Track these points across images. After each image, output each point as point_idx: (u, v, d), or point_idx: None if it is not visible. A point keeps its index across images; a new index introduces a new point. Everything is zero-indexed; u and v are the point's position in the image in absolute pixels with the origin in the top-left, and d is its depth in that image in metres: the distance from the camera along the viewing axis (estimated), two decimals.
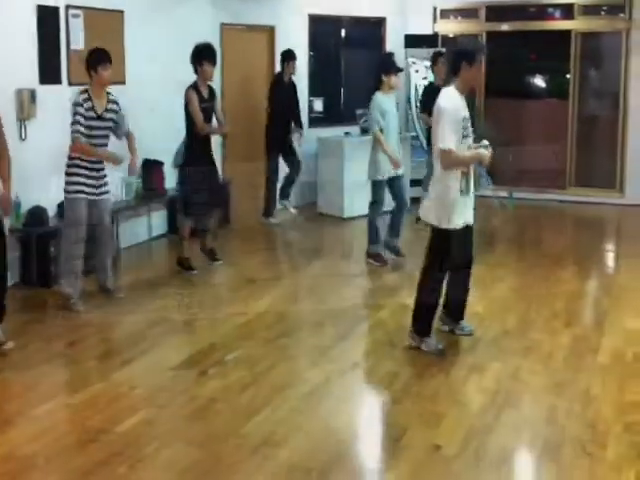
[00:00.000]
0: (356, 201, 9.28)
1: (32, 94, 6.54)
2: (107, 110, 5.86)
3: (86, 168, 5.78)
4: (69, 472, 3.54)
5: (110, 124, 5.90)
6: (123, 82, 7.40)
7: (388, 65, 7.12)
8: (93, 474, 3.52)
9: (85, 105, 5.72)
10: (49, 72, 6.76)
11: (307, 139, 9.54)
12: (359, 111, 9.80)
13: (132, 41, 7.61)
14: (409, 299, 6.27)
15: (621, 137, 10.48)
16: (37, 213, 6.55)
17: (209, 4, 8.77)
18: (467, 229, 4.97)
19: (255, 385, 4.51)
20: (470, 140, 4.89)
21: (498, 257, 7.64)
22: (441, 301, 5.20)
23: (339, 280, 6.92)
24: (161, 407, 4.24)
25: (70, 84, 6.92)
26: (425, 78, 10.56)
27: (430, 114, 8.61)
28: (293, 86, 9.23)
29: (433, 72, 9.16)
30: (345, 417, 4.20)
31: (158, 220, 8.33)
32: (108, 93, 5.92)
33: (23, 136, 6.48)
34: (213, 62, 6.84)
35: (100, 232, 5.99)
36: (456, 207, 4.82)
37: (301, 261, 7.91)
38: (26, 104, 6.47)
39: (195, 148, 6.82)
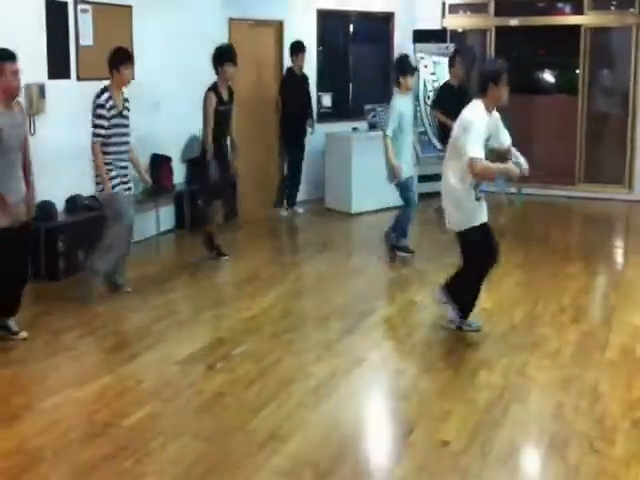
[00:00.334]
0: (364, 197, 9.28)
1: (41, 89, 6.55)
2: (125, 108, 5.95)
3: (118, 167, 5.88)
4: (76, 465, 3.55)
5: (128, 122, 5.97)
6: (131, 77, 7.39)
7: (405, 66, 7.17)
8: (100, 467, 3.54)
9: (108, 105, 5.78)
10: (58, 67, 6.78)
11: (315, 134, 9.53)
12: (367, 106, 9.80)
13: (140, 36, 7.61)
14: (417, 295, 6.31)
15: (630, 133, 10.44)
16: (46, 208, 6.56)
17: None
18: (485, 226, 5.11)
19: (261, 380, 4.51)
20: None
21: (506, 253, 7.54)
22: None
23: (346, 275, 6.92)
24: (168, 401, 4.25)
25: (79, 79, 6.95)
26: (433, 74, 10.55)
27: (444, 113, 8.73)
28: (305, 79, 9.26)
29: (450, 73, 9.12)
30: (352, 412, 4.20)
31: (166, 215, 8.33)
32: (123, 93, 6.00)
33: (32, 131, 6.48)
34: (234, 63, 6.93)
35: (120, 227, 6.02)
36: (474, 211, 5.02)
37: (308, 256, 7.90)
38: (35, 99, 6.49)
39: (212, 145, 6.89)
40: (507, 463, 3.60)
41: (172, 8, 8.11)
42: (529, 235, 8.69)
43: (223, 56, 6.87)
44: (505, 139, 5.16)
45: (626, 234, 9.43)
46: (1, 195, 4.83)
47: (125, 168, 5.98)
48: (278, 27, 9.66)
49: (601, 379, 4.52)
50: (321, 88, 10.25)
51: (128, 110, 6.01)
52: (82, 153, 6.18)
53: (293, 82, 9.12)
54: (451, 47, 10.69)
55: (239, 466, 3.55)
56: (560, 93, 11.42)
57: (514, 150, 5.18)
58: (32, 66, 6.48)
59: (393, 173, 7.04)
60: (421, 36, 10.83)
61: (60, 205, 6.75)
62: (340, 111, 10.50)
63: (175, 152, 8.26)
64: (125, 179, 5.97)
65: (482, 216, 5.08)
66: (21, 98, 6.29)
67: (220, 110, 6.82)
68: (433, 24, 11.27)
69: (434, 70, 10.58)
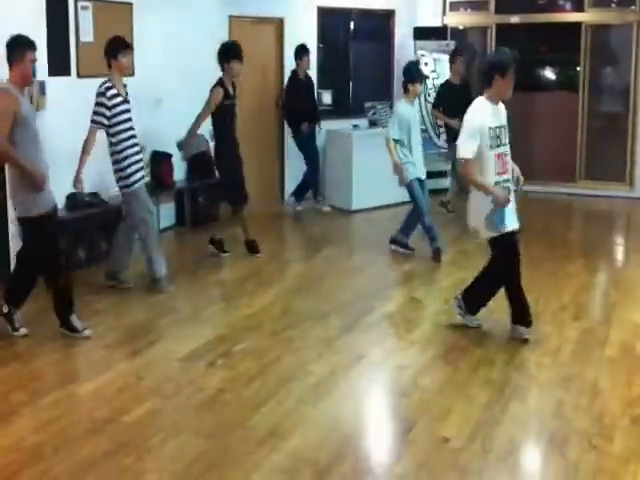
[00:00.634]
0: (364, 194, 9.27)
1: (42, 86, 6.55)
2: (126, 94, 5.97)
3: (136, 154, 5.94)
4: (76, 462, 3.56)
5: (130, 108, 5.98)
6: (132, 74, 7.39)
7: (415, 74, 7.17)
8: (100, 464, 3.54)
9: (108, 93, 5.79)
10: (58, 64, 6.77)
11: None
12: (368, 104, 9.79)
13: (141, 33, 7.60)
14: (416, 292, 6.31)
15: (631, 130, 10.42)
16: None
17: None
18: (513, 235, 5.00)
19: (261, 377, 4.52)
20: (502, 149, 4.91)
21: None
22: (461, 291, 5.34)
23: (346, 272, 6.92)
24: (168, 398, 4.25)
25: (79, 76, 6.94)
26: (434, 71, 10.54)
27: (444, 112, 8.71)
28: (310, 81, 9.23)
29: (451, 70, 9.13)
30: (352, 409, 4.20)
31: (166, 212, 8.33)
32: (124, 85, 6.01)
33: None
34: (241, 60, 6.97)
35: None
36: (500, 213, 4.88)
37: (308, 253, 7.91)
38: (35, 96, 6.48)
39: (225, 138, 6.98)
40: (507, 460, 3.60)
41: (172, 5, 8.10)
42: (529, 232, 8.63)
43: (230, 53, 6.90)
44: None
45: (627, 231, 9.42)
46: (43, 175, 4.90)
47: (140, 153, 6.04)
48: (278, 24, 9.64)
49: (601, 376, 4.52)
50: (321, 85, 10.23)
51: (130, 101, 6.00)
52: None
53: (297, 85, 9.07)
54: (452, 44, 10.69)
55: (239, 463, 3.56)
56: (561, 90, 11.41)
57: (514, 166, 5.07)
58: None
59: (401, 177, 7.05)
60: (422, 33, 10.81)
61: (60, 202, 6.74)
62: (340, 108, 10.48)
63: (176, 149, 8.24)
64: (141, 166, 6.02)
65: (512, 219, 4.94)
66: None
67: (226, 104, 6.87)
68: (434, 21, 11.25)
69: (434, 67, 10.56)
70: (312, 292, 6.53)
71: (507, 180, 4.95)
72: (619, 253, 8.13)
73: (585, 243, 8.32)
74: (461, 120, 4.99)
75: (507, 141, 4.97)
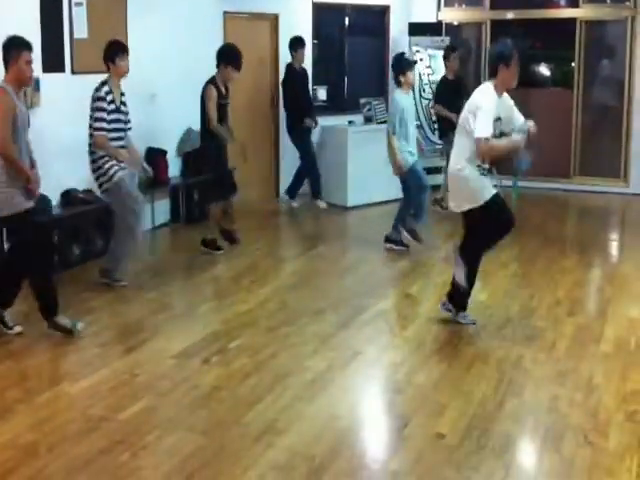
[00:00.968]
0: (360, 190, 9.27)
1: (36, 83, 6.51)
2: (122, 103, 5.98)
3: (112, 159, 5.89)
4: (71, 460, 3.55)
5: (124, 117, 6.00)
6: (127, 68, 7.37)
7: (402, 65, 7.16)
8: (95, 462, 3.53)
9: (108, 98, 5.82)
10: (53, 61, 6.75)
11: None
12: (363, 100, 9.78)
13: (135, 29, 7.58)
14: (412, 288, 6.32)
15: (626, 126, 10.44)
16: (41, 202, 6.53)
17: None
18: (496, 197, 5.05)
19: (257, 373, 4.51)
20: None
21: (501, 245, 7.59)
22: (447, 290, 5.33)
23: (342, 269, 6.92)
24: (163, 395, 4.24)
25: (73, 72, 6.92)
26: (429, 67, 10.54)
27: (445, 106, 8.71)
28: (305, 74, 9.22)
29: (445, 67, 9.14)
30: (347, 405, 4.20)
31: (161, 209, 8.32)
32: (120, 87, 6.02)
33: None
34: (239, 70, 6.97)
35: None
36: (480, 183, 4.96)
37: (303, 249, 7.90)
38: (29, 92, 6.45)
39: (213, 135, 6.93)
40: (502, 456, 3.60)
41: (167, 1, 8.08)
42: (524, 228, 8.66)
43: (231, 60, 6.88)
44: (519, 120, 5.12)
45: (621, 227, 9.44)
46: (26, 168, 4.87)
47: (121, 162, 5.98)
48: (273, 20, 9.63)
49: (596, 372, 4.53)
50: (316, 81, 10.22)
51: (125, 105, 6.03)
52: (77, 146, 6.17)
53: (294, 78, 9.07)
54: (447, 40, 10.69)
55: (235, 459, 3.55)
56: (555, 86, 11.42)
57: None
58: None
59: (396, 169, 7.07)
60: (417, 29, 10.81)
61: (55, 199, 6.73)
62: (335, 104, 10.47)
63: (171, 145, 8.24)
64: (122, 166, 5.97)
65: (487, 192, 5.00)
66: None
67: (219, 104, 6.87)
68: (429, 17, 11.25)
69: (429, 63, 10.57)
70: (308, 288, 6.53)
71: (485, 168, 5.01)
72: (614, 249, 8.15)
73: (580, 239, 8.33)
74: (458, 115, 5.06)
75: (499, 133, 4.99)
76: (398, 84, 7.17)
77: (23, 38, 4.91)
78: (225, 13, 8.92)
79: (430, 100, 10.17)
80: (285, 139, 9.44)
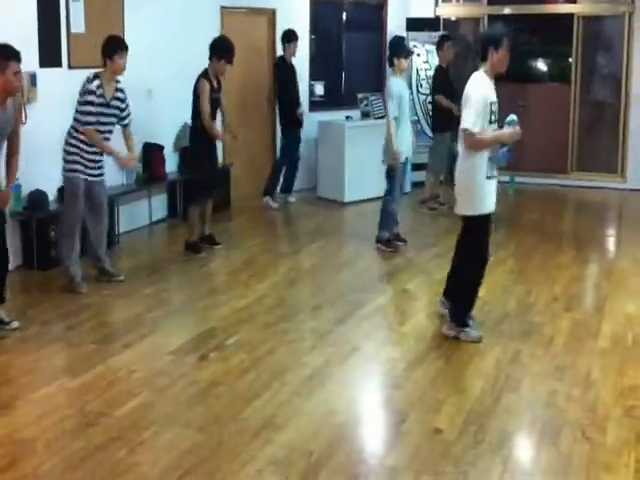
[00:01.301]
0: (357, 185, 9.26)
1: (32, 78, 6.50)
2: (114, 98, 5.90)
3: (87, 152, 5.82)
4: (68, 456, 3.54)
5: (116, 112, 5.93)
6: (125, 66, 7.35)
7: (399, 48, 7.11)
8: (93, 458, 3.53)
9: (98, 92, 5.76)
10: (49, 55, 6.72)
11: (308, 123, 9.50)
12: (360, 95, 9.76)
13: (132, 24, 7.55)
14: (409, 284, 6.32)
15: (623, 121, 10.44)
16: (38, 197, 6.54)
17: None
18: (489, 217, 4.90)
19: (255, 369, 4.51)
20: (495, 125, 4.84)
21: (499, 241, 7.62)
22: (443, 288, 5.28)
23: (339, 264, 6.91)
24: (161, 391, 4.24)
25: (70, 67, 6.90)
26: (427, 62, 10.52)
27: (448, 94, 8.66)
28: (294, 70, 9.18)
29: (439, 56, 9.13)
30: (345, 401, 4.20)
31: (158, 204, 8.31)
32: (117, 81, 5.96)
33: (23, 120, 6.43)
34: (231, 63, 6.91)
35: (97, 212, 6.00)
36: (482, 191, 4.79)
37: (301, 245, 7.89)
38: (26, 88, 6.43)
39: (201, 134, 6.86)
40: (500, 451, 3.61)
41: None
42: (521, 224, 8.69)
43: (224, 53, 6.82)
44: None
45: (619, 223, 9.45)
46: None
47: (99, 154, 5.89)
48: (271, 15, 9.60)
49: (593, 367, 4.54)
50: (314, 76, 10.21)
51: (121, 101, 5.96)
52: None
53: (286, 70, 9.06)
54: (449, 35, 10.66)
55: (232, 455, 3.55)
56: (553, 82, 11.41)
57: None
58: (23, 54, 6.41)
59: (392, 157, 6.96)
60: (414, 24, 10.79)
61: (52, 194, 6.72)
62: (333, 99, 10.46)
63: (168, 141, 8.23)
64: (97, 165, 5.89)
65: (489, 202, 4.85)
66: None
67: (212, 98, 6.82)
68: (426, 12, 11.23)
69: (427, 59, 10.55)
70: (305, 284, 6.54)
71: (490, 158, 4.84)
72: (611, 244, 8.15)
73: (577, 234, 8.34)
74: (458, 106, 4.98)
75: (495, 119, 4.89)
76: (391, 66, 7.11)
77: (12, 48, 4.85)
78: (222, 8, 8.90)
79: (427, 95, 10.15)
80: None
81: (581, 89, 10.76)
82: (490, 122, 4.76)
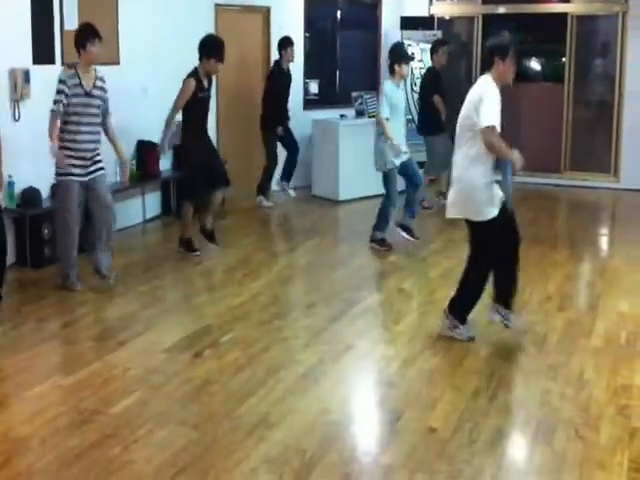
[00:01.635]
0: (351, 184, 9.27)
1: (26, 74, 6.48)
2: (96, 87, 5.76)
3: (75, 150, 5.71)
4: (63, 453, 3.54)
5: (99, 102, 5.79)
6: (117, 62, 7.35)
7: (401, 55, 7.09)
8: (87, 455, 3.52)
9: (70, 82, 5.62)
10: (43, 52, 6.70)
11: (302, 121, 9.50)
12: (354, 93, 9.77)
13: (126, 21, 7.54)
14: (404, 282, 6.32)
15: (616, 121, 10.47)
16: (31, 194, 6.52)
17: None
18: (504, 210, 4.81)
19: (249, 367, 4.51)
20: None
21: None
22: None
23: (333, 262, 6.92)
24: (155, 388, 4.23)
25: (64, 64, 6.86)
26: (421, 61, 10.53)
27: (441, 96, 8.63)
28: (290, 76, 9.09)
29: (432, 60, 9.11)
30: (340, 399, 4.21)
31: (152, 202, 8.29)
32: (96, 70, 5.81)
33: (16, 116, 6.44)
34: (222, 61, 6.79)
35: (99, 212, 5.87)
36: (487, 193, 4.73)
37: (295, 243, 7.90)
38: (19, 84, 6.42)
39: (193, 130, 6.78)
40: (494, 450, 3.62)
41: None
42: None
43: (213, 51, 6.69)
44: None
45: (612, 222, 9.49)
46: None
47: (92, 150, 5.78)
48: (265, 13, 9.60)
49: (587, 366, 4.55)
50: (308, 75, 10.21)
51: (103, 90, 5.81)
52: None
53: (280, 77, 8.92)
54: (439, 34, 10.70)
55: (227, 453, 3.55)
56: (546, 81, 11.44)
57: None
58: (16, 51, 6.43)
59: (394, 152, 6.91)
60: (408, 23, 10.81)
61: (45, 191, 6.70)
62: (327, 98, 10.47)
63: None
64: (90, 162, 5.76)
65: (494, 209, 4.75)
66: (5, 83, 6.28)
67: (200, 97, 6.68)
68: (421, 11, 11.25)
69: (421, 57, 10.56)
70: (300, 282, 6.55)
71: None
72: (604, 243, 8.18)
73: (571, 234, 8.36)
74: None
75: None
76: (391, 73, 7.10)
77: None
78: (217, 5, 8.88)
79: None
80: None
81: (575, 88, 10.79)
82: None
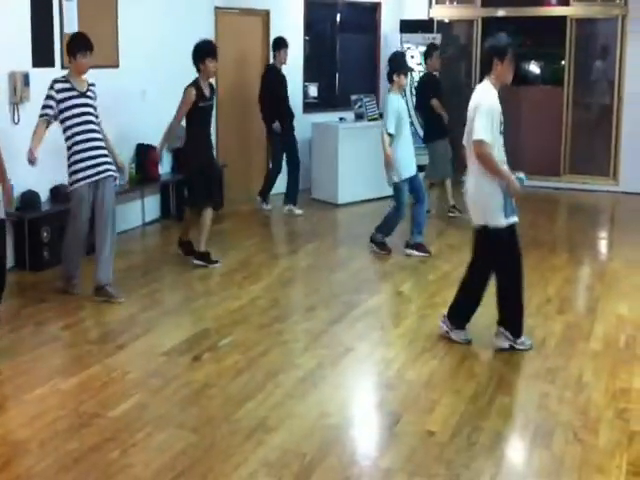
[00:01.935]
0: (351, 187, 9.28)
1: (25, 77, 6.49)
2: (89, 90, 5.75)
3: (81, 151, 5.68)
4: (62, 456, 3.54)
5: (94, 102, 5.76)
6: (116, 66, 7.37)
7: (400, 65, 7.05)
8: (86, 459, 3.53)
9: (58, 86, 5.60)
10: (42, 55, 6.71)
11: (301, 125, 9.50)
12: (354, 96, 9.78)
13: (126, 25, 7.56)
14: (403, 285, 6.33)
15: (616, 124, 10.49)
16: (30, 197, 6.53)
17: None
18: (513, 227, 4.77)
19: (249, 370, 4.51)
20: (502, 139, 4.75)
21: None
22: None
23: (333, 265, 6.92)
24: (154, 392, 4.24)
25: (63, 67, 6.87)
26: (420, 64, 10.54)
27: (440, 100, 8.62)
28: (285, 79, 9.00)
29: (426, 64, 9.08)
30: (339, 402, 4.21)
31: (151, 205, 8.30)
32: (89, 83, 5.80)
33: (16, 120, 6.44)
34: (215, 58, 6.73)
35: (99, 217, 5.80)
36: (497, 199, 4.68)
37: (295, 246, 7.90)
38: (19, 87, 6.43)
39: (195, 140, 6.75)
40: (493, 453, 3.62)
41: None
42: None
43: (203, 52, 6.64)
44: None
45: (611, 225, 9.49)
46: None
47: (98, 148, 5.73)
48: (264, 16, 9.61)
49: (585, 369, 4.55)
50: (308, 78, 10.22)
51: (95, 94, 5.79)
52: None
53: (273, 78, 8.85)
54: (438, 37, 10.72)
55: (225, 457, 3.56)
56: (545, 84, 11.46)
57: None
58: (16, 54, 6.44)
59: (391, 171, 6.90)
60: (408, 26, 10.82)
61: (44, 195, 6.71)
62: (326, 101, 10.48)
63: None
64: (99, 162, 5.72)
65: (510, 212, 4.72)
66: (5, 86, 6.29)
67: (201, 106, 6.62)
68: (420, 14, 11.26)
69: (421, 60, 10.56)
70: (299, 285, 6.55)
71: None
72: (603, 247, 8.19)
73: (570, 237, 8.37)
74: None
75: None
76: (390, 82, 7.09)
77: None
78: (216, 8, 8.90)
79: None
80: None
81: (574, 91, 10.80)
82: (500, 133, 4.71)
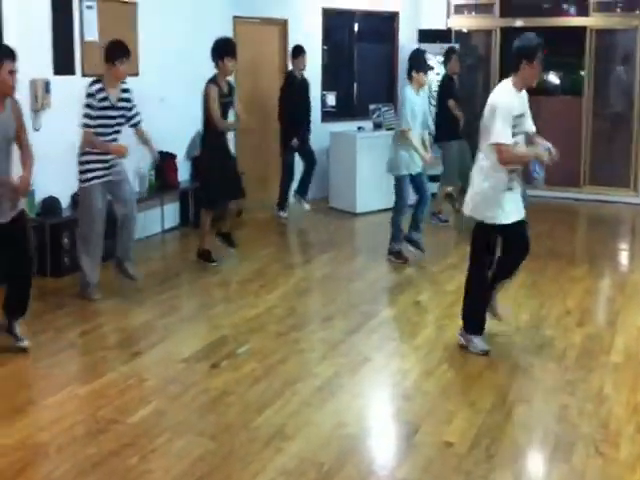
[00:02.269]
0: (368, 196, 9.27)
1: (46, 85, 6.55)
2: (120, 99, 5.86)
3: (98, 153, 5.79)
4: (80, 462, 3.55)
5: (123, 112, 5.89)
6: (136, 73, 7.41)
7: (419, 62, 7.08)
8: (105, 464, 3.53)
9: (98, 96, 5.72)
10: (63, 63, 6.78)
11: (320, 134, 9.51)
12: (372, 106, 9.78)
13: (145, 33, 7.61)
14: (420, 295, 6.31)
15: (636, 135, 10.41)
16: (51, 203, 6.58)
17: None
18: (520, 224, 4.84)
19: (266, 378, 4.51)
20: (520, 138, 4.75)
21: None
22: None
23: (350, 275, 6.91)
24: (172, 399, 4.24)
25: (84, 75, 6.93)
26: (438, 74, 10.53)
27: (456, 101, 8.61)
28: (306, 84, 9.10)
29: (445, 68, 9.11)
30: (356, 412, 4.19)
31: (171, 212, 8.33)
32: (122, 82, 5.91)
33: (37, 127, 6.49)
34: (234, 57, 6.80)
35: (122, 216, 5.97)
36: (502, 202, 4.72)
37: (312, 255, 7.90)
38: (40, 95, 6.49)
39: (211, 141, 6.83)
40: (512, 465, 3.59)
41: (177, 5, 8.12)
42: (534, 237, 8.56)
43: (223, 49, 6.73)
44: (529, 125, 4.88)
45: (632, 237, 9.41)
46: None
47: (108, 161, 5.84)
48: (283, 26, 9.64)
49: (606, 382, 4.51)
50: (326, 87, 10.24)
51: (128, 100, 5.90)
52: None
53: (292, 86, 8.90)
54: (456, 47, 10.69)
55: (244, 464, 3.55)
56: (565, 94, 11.41)
57: (540, 139, 4.87)
58: (37, 62, 6.50)
59: (423, 160, 6.96)
60: (426, 36, 10.82)
61: (65, 201, 6.75)
62: (345, 110, 10.49)
63: (180, 149, 8.26)
64: (111, 164, 5.83)
65: (515, 213, 4.79)
66: (26, 93, 6.34)
67: (221, 102, 6.71)
68: (438, 24, 11.26)
69: (439, 70, 10.55)
70: (316, 294, 6.54)
71: (513, 171, 4.76)
72: (624, 258, 8.11)
73: (590, 248, 8.31)
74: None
75: (524, 130, 4.80)
76: (409, 79, 7.08)
77: (7, 47, 4.73)
78: (235, 18, 8.94)
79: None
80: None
81: (594, 102, 10.74)
82: (514, 134, 4.66)
